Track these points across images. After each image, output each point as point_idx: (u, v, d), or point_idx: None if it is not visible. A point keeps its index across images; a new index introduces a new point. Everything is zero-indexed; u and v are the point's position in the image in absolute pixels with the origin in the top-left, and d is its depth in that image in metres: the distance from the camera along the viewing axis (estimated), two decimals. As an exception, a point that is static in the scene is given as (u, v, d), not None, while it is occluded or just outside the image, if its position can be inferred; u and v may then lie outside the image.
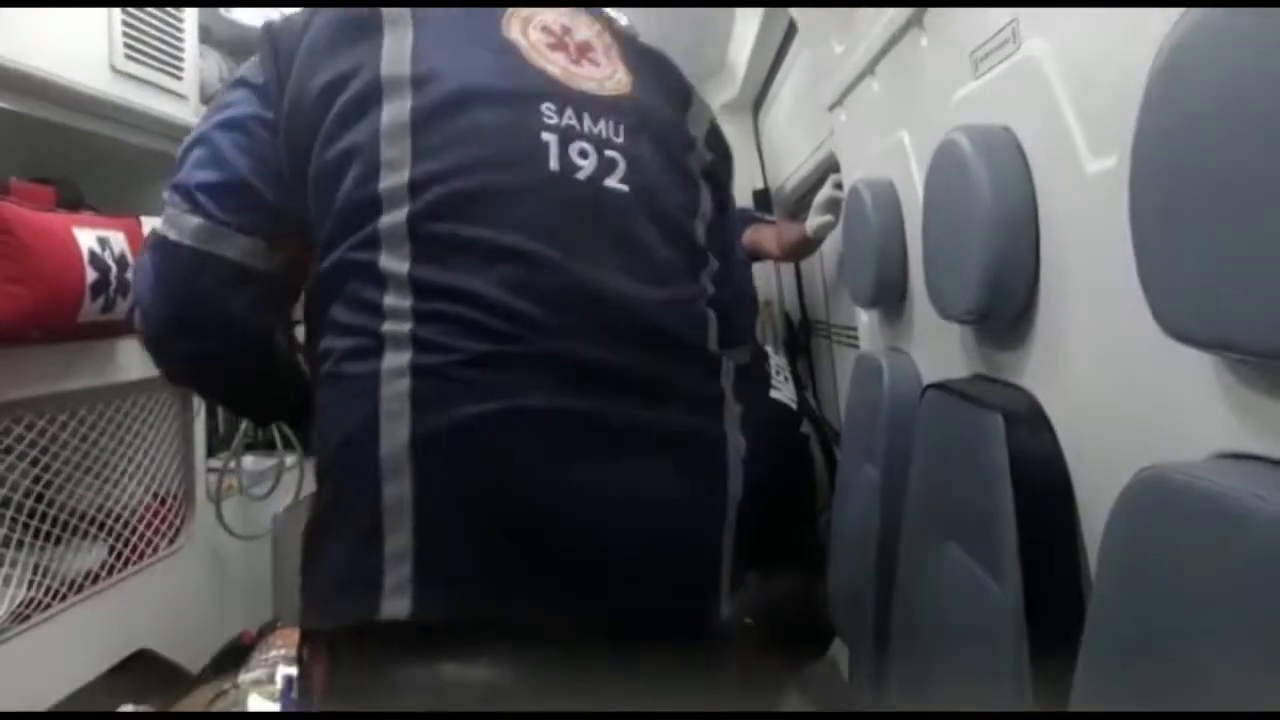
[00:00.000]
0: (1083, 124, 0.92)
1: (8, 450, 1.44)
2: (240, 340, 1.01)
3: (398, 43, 0.93)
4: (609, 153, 0.97)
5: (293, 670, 1.71)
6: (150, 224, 1.60)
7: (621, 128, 0.99)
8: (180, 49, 1.78)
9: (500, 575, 0.82)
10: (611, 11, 1.14)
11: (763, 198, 2.96)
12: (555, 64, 1.00)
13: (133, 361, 1.70)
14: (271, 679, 1.72)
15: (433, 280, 0.86)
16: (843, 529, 1.81)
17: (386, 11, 0.94)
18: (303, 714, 1.45)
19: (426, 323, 0.85)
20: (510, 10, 1.02)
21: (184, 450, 1.93)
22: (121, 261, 1.49)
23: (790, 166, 2.62)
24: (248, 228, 0.96)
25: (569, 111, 0.96)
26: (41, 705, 1.49)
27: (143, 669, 1.83)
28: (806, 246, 2.23)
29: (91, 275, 1.41)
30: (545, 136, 0.94)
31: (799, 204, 2.65)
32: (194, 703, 1.75)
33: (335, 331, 0.89)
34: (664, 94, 1.09)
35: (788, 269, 2.92)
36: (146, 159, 1.84)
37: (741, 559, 0.94)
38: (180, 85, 1.78)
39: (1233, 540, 0.58)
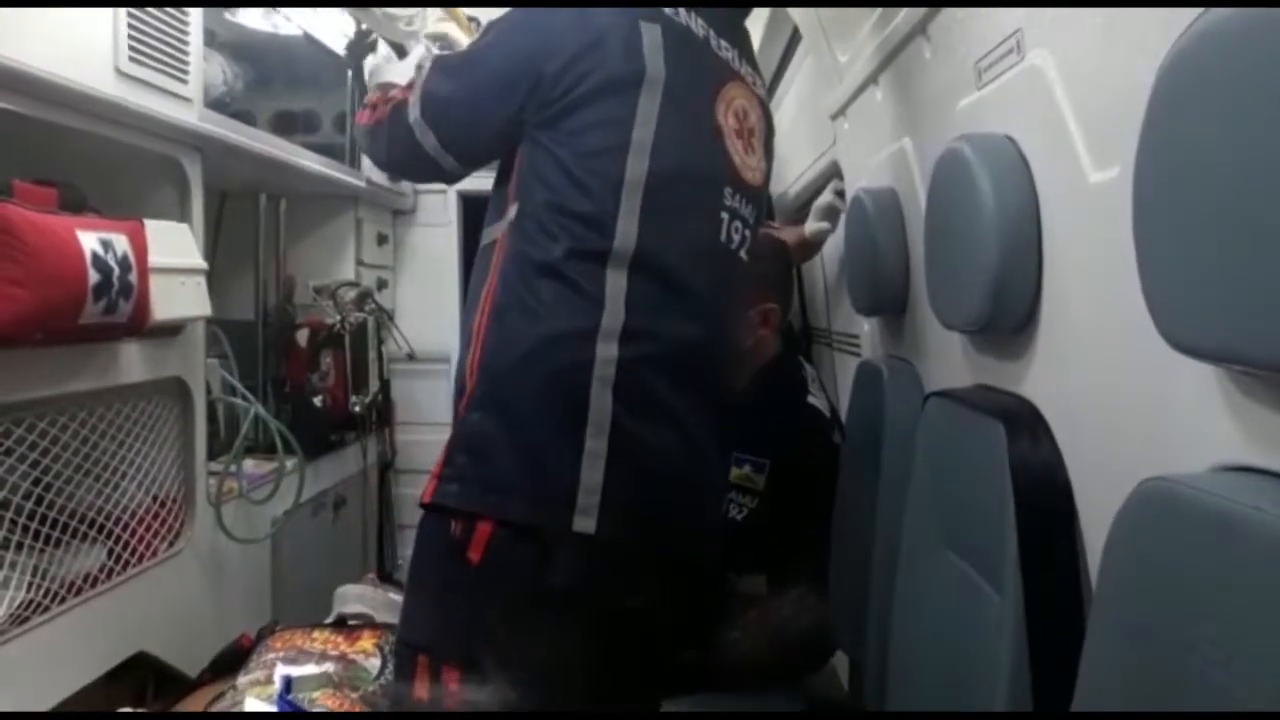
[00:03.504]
0: (1086, 134, 0.92)
1: (8, 452, 1.44)
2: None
3: (649, 109, 1.23)
4: (745, 230, 1.35)
5: (290, 670, 1.72)
6: (153, 225, 1.61)
7: (752, 209, 1.37)
8: (185, 52, 1.78)
9: (657, 528, 1.24)
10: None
11: (765, 204, 2.97)
12: (737, 153, 1.34)
13: (134, 364, 1.71)
14: (269, 680, 1.71)
15: (639, 313, 1.20)
16: (843, 537, 1.80)
17: (649, 73, 1.23)
18: (307, 714, 1.45)
19: (635, 313, 1.19)
20: (723, 88, 1.34)
21: (184, 453, 1.93)
22: (124, 263, 1.49)
23: (793, 174, 2.62)
24: (463, 159, 1.37)
25: (737, 196, 1.33)
26: (40, 707, 1.49)
27: (141, 671, 1.83)
28: (806, 250, 2.24)
29: (94, 277, 1.41)
30: (723, 215, 1.31)
31: (801, 211, 2.65)
32: (192, 705, 1.75)
33: (559, 287, 1.21)
34: (769, 173, 1.46)
35: (789, 276, 2.92)
36: (150, 161, 1.84)
37: None
38: (185, 88, 1.78)
39: (1234, 553, 0.58)
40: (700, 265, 1.28)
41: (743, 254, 1.36)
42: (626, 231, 1.21)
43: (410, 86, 1.38)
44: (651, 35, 1.25)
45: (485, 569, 1.17)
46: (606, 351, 1.18)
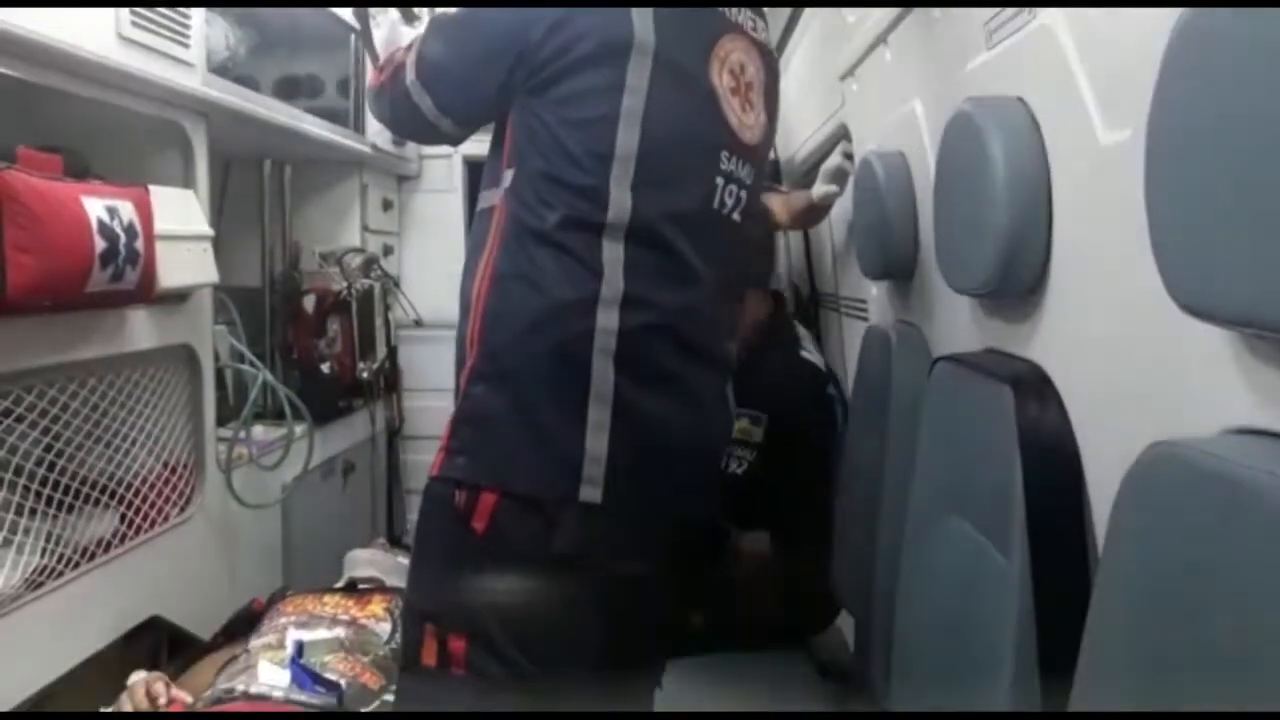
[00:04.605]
0: (1098, 95, 0.90)
1: (19, 419, 1.45)
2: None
3: (638, 76, 1.21)
4: (740, 191, 1.33)
5: (302, 634, 1.74)
6: (159, 192, 1.61)
7: (749, 170, 1.34)
8: (187, 17, 1.76)
9: (662, 496, 1.26)
10: None
11: (773, 168, 2.94)
12: (734, 113, 1.31)
13: (142, 331, 1.71)
14: (281, 644, 1.73)
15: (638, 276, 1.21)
16: (850, 501, 1.81)
17: (637, 40, 1.20)
18: (314, 714, 1.47)
19: (633, 282, 1.20)
20: (717, 45, 1.30)
21: (194, 420, 1.94)
22: (130, 230, 1.48)
23: (800, 137, 2.60)
24: (459, 120, 1.37)
25: (734, 159, 1.31)
26: (55, 672, 1.51)
27: (155, 635, 1.85)
28: (813, 213, 2.22)
29: (100, 244, 1.41)
30: (718, 180, 1.29)
31: (809, 175, 2.63)
32: (205, 669, 1.77)
33: (555, 245, 1.21)
34: (771, 126, 1.43)
35: (796, 241, 2.91)
36: (153, 127, 1.83)
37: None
38: (188, 53, 1.77)
39: (1243, 517, 0.58)
40: (694, 232, 1.28)
41: (735, 216, 1.34)
42: (620, 202, 1.21)
43: (410, 48, 1.38)
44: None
45: (490, 537, 1.19)
46: (607, 321, 1.19)
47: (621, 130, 1.21)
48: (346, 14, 2.54)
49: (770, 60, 1.44)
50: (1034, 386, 1.00)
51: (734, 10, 1.35)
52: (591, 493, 1.18)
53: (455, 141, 1.43)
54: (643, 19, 1.21)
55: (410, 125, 1.44)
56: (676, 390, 1.26)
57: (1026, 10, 1.04)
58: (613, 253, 1.20)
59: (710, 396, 1.32)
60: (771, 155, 2.95)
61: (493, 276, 1.25)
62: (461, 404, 1.25)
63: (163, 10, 1.68)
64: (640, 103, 1.21)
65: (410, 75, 1.34)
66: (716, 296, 1.32)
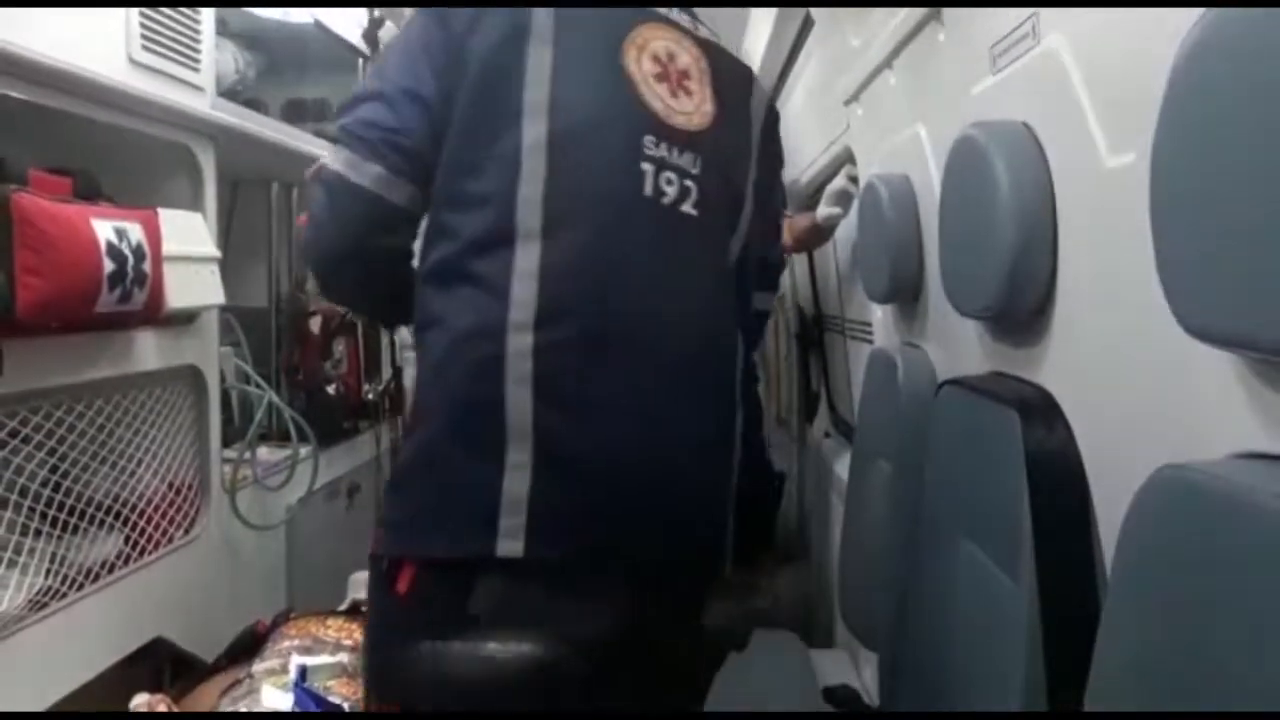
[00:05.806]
0: (1102, 119, 0.91)
1: (25, 440, 1.45)
2: (394, 265, 1.20)
3: (539, 65, 1.10)
4: (686, 182, 1.16)
5: (306, 660, 1.73)
6: (167, 214, 1.62)
7: (699, 161, 1.18)
8: (197, 41, 1.78)
9: (604, 535, 1.08)
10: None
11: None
12: (659, 98, 1.17)
13: (149, 352, 1.71)
14: (285, 669, 1.73)
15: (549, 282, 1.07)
16: (857, 524, 1.81)
17: (535, 26, 1.11)
18: (319, 714, 1.46)
19: (551, 293, 1.06)
20: (630, 35, 1.18)
21: (199, 441, 1.94)
22: (138, 252, 1.49)
23: (805, 161, 2.61)
24: (416, 178, 1.13)
25: (664, 145, 1.15)
26: (59, 694, 1.51)
27: (159, 657, 1.84)
28: (817, 236, 2.23)
29: (109, 266, 1.42)
30: (644, 166, 1.13)
31: (813, 199, 2.64)
32: (209, 691, 1.76)
33: (455, 276, 1.08)
34: (735, 117, 1.27)
35: (801, 262, 2.92)
36: (163, 150, 1.84)
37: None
38: (197, 77, 1.79)
39: (1251, 540, 0.57)
40: (621, 224, 1.12)
41: (685, 209, 1.16)
42: (530, 202, 1.07)
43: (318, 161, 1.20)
44: None
45: (411, 604, 1.07)
46: (519, 343, 1.05)
47: (526, 123, 1.09)
48: (354, 37, 2.57)
49: (714, 52, 1.27)
50: (1040, 410, 1.00)
51: (661, 5, 1.24)
52: (511, 546, 1.02)
53: (414, 220, 1.17)
54: (543, 12, 1.12)
55: (356, 225, 1.15)
56: (621, 410, 1.10)
57: (1031, 35, 1.05)
58: (525, 264, 1.06)
59: (675, 411, 1.14)
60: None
61: (415, 330, 1.15)
62: (392, 470, 1.16)
63: (173, 34, 1.70)
64: (544, 94, 1.10)
65: (338, 157, 1.13)
66: (669, 295, 1.16)
